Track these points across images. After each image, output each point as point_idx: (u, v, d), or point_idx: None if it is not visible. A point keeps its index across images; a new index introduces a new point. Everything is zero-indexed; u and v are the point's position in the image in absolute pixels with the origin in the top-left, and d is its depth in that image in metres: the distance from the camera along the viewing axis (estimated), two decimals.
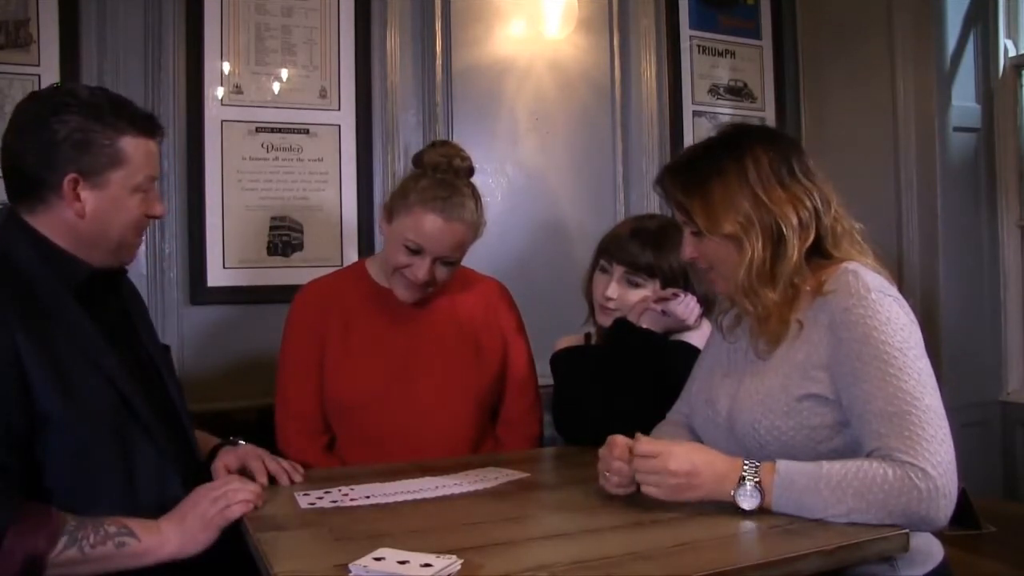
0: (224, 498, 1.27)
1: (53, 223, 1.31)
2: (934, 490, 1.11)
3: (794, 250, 1.25)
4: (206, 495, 1.28)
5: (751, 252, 1.25)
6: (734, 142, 1.33)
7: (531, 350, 1.92)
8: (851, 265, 1.26)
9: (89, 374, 1.27)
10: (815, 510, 1.14)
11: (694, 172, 1.33)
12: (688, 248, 1.37)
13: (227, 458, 1.47)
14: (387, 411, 1.71)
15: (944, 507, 1.12)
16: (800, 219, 1.26)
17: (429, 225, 1.64)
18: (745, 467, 1.18)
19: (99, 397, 1.27)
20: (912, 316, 1.25)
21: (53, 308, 1.27)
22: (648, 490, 1.22)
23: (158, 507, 1.27)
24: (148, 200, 1.37)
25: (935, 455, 1.12)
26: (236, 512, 1.26)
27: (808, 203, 1.27)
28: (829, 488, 1.13)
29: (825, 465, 1.15)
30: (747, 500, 1.16)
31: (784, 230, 1.25)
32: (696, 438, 1.42)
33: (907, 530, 1.13)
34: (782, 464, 1.17)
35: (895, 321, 1.20)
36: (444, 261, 1.70)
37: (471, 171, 1.76)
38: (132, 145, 1.32)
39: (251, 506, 1.28)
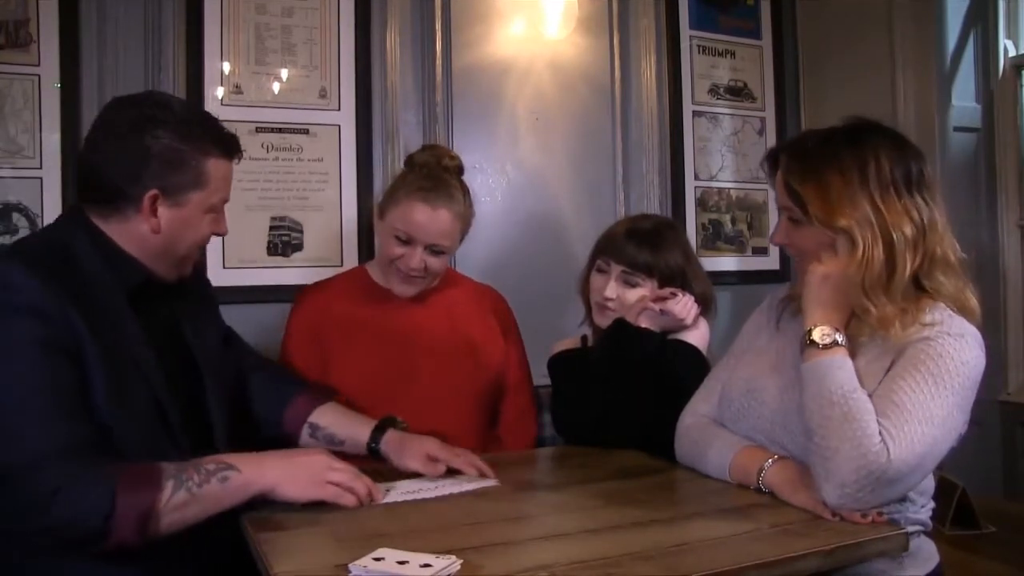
0: (347, 476, 1.27)
1: (124, 233, 1.31)
2: (890, 461, 1.11)
3: (906, 265, 1.21)
4: (328, 461, 1.28)
5: (865, 250, 1.21)
6: (859, 138, 1.28)
7: (525, 353, 1.95)
8: (949, 310, 1.24)
9: (134, 377, 1.26)
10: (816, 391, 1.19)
11: (813, 159, 1.27)
12: (780, 235, 1.35)
13: (431, 448, 1.47)
14: (391, 405, 1.71)
15: (882, 483, 1.12)
16: (911, 234, 1.22)
17: (416, 214, 1.71)
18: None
19: (139, 401, 1.26)
20: (981, 370, 1.22)
21: (109, 307, 1.26)
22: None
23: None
24: (217, 220, 1.39)
25: (908, 444, 1.12)
26: (348, 500, 1.25)
27: (917, 219, 1.23)
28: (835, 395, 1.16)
29: (850, 389, 1.17)
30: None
31: (896, 242, 1.21)
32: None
33: (899, 524, 1.15)
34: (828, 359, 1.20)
35: (964, 362, 1.19)
36: (434, 250, 1.74)
37: (460, 170, 1.82)
38: (215, 167, 1.33)
39: (358, 504, 1.27)
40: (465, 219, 1.79)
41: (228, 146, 1.36)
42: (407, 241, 1.73)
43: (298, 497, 1.24)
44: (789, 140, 1.39)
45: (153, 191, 1.28)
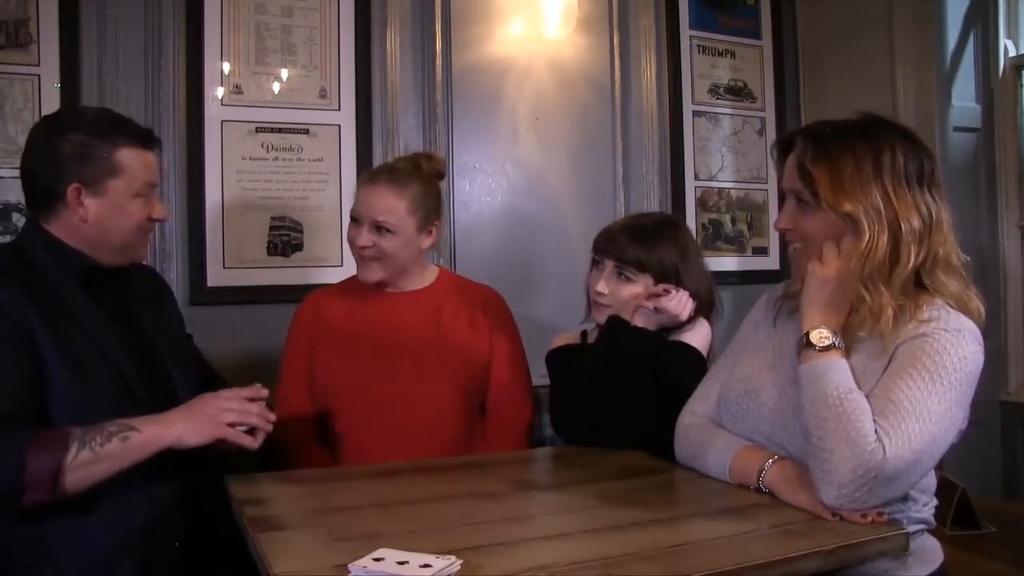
0: (237, 407, 1.38)
1: (62, 227, 1.45)
2: (885, 460, 1.11)
3: (910, 257, 1.22)
4: (219, 402, 1.38)
5: (871, 239, 1.21)
6: (875, 130, 1.28)
7: (521, 349, 1.94)
8: (947, 306, 1.23)
9: (94, 358, 1.37)
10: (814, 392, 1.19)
11: (829, 142, 1.28)
12: (785, 219, 1.34)
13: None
14: (375, 394, 1.78)
15: (879, 482, 1.12)
16: (918, 227, 1.22)
17: (360, 193, 1.82)
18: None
19: (103, 379, 1.38)
20: (980, 365, 1.22)
21: (64, 296, 1.40)
22: None
23: (150, 487, 1.36)
24: (149, 204, 1.50)
25: (904, 442, 1.12)
26: (246, 441, 1.37)
27: (925, 213, 1.24)
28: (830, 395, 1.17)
29: (845, 389, 1.17)
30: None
31: (903, 233, 1.22)
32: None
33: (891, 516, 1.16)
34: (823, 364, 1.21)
35: (962, 357, 1.19)
36: (379, 226, 1.77)
37: (439, 174, 1.90)
38: (129, 156, 1.45)
39: (268, 426, 1.39)
40: (414, 200, 1.78)
41: (138, 136, 1.48)
42: (355, 219, 1.81)
43: (202, 441, 1.33)
44: (804, 126, 1.41)
45: (75, 185, 1.41)
